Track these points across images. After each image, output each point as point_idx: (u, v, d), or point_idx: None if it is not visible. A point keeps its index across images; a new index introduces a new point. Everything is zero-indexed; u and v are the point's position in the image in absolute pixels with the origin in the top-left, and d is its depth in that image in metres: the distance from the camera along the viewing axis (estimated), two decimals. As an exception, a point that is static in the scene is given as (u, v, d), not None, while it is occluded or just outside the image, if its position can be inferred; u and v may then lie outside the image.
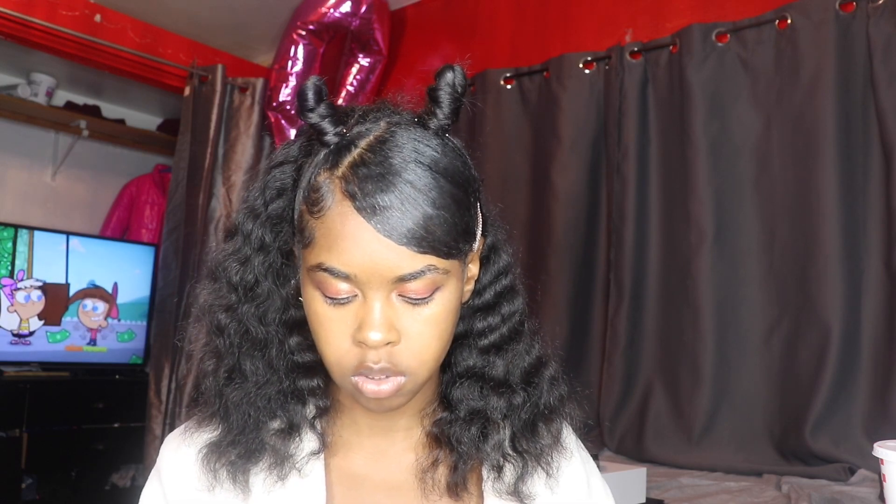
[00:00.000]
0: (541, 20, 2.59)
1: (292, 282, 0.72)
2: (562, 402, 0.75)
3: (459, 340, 0.74)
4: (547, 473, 0.73)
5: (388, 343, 0.63)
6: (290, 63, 2.81)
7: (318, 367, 0.71)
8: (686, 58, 2.07)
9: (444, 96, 0.68)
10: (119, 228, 3.74)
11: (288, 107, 2.84)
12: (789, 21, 1.94)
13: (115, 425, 3.11)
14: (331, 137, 0.65)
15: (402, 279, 0.62)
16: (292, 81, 2.82)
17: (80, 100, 3.73)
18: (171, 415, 2.69)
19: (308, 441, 0.70)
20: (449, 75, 0.69)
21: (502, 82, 2.52)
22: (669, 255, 2.10)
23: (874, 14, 1.81)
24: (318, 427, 0.71)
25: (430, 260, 0.62)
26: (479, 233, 0.70)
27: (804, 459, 1.75)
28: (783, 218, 1.92)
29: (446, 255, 0.63)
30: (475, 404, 0.72)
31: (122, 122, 3.80)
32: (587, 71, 2.33)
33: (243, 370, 0.71)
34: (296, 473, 0.69)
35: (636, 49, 2.22)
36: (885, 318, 1.75)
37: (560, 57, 2.37)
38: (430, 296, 0.64)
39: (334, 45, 2.88)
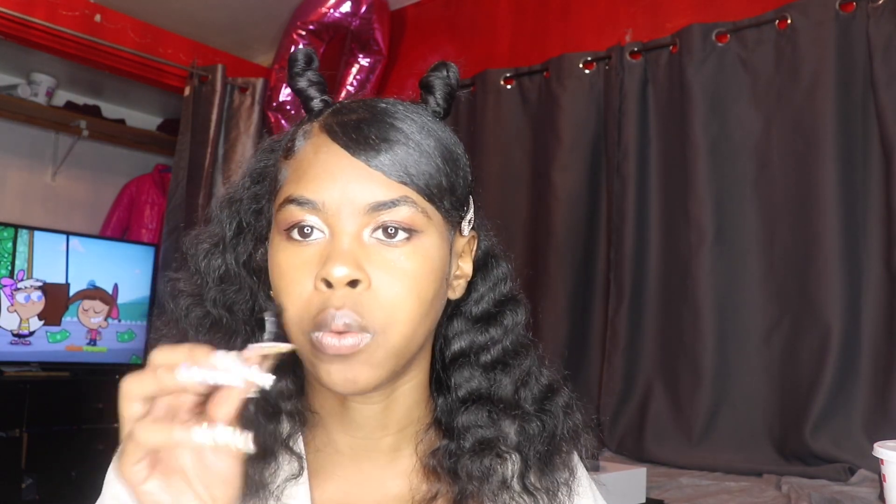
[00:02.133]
0: (541, 20, 2.59)
1: (266, 275, 0.64)
2: (577, 434, 0.68)
3: (460, 360, 0.67)
4: None
5: (353, 282, 0.55)
6: (290, 63, 2.81)
7: (285, 367, 0.63)
8: (686, 58, 2.07)
9: (437, 83, 0.66)
10: (119, 228, 3.74)
11: (288, 107, 2.84)
12: (789, 21, 1.94)
13: (115, 425, 3.09)
14: (317, 103, 0.63)
15: (376, 208, 0.56)
16: (292, 81, 2.82)
17: (80, 100, 3.73)
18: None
19: (285, 464, 0.62)
20: (443, 70, 0.67)
21: (502, 82, 2.51)
22: (669, 255, 2.10)
23: (874, 14, 1.81)
24: (295, 447, 0.63)
25: (408, 192, 0.57)
26: (469, 215, 0.66)
27: (804, 459, 1.75)
28: (783, 218, 1.92)
29: (426, 194, 0.58)
30: (485, 433, 0.65)
31: (122, 122, 3.80)
32: (587, 71, 2.33)
33: None
34: (272, 502, 0.61)
35: (636, 49, 2.22)
36: (885, 318, 1.75)
37: (560, 57, 2.37)
38: (407, 239, 0.57)
39: (334, 45, 2.88)
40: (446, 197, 0.60)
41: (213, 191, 2.86)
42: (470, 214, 0.66)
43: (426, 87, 0.66)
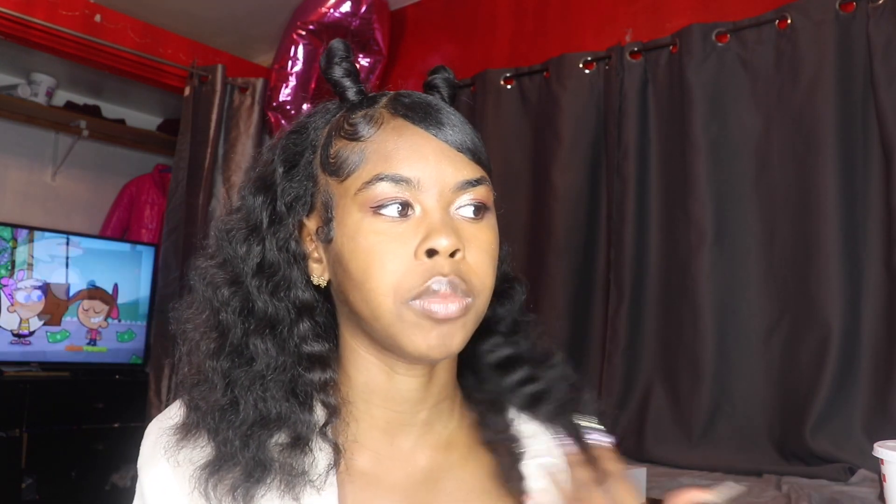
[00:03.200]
0: (541, 20, 2.59)
1: (304, 262, 0.67)
2: (580, 387, 0.75)
3: (480, 329, 0.69)
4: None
5: (454, 252, 0.60)
6: (290, 63, 2.81)
7: (328, 359, 0.66)
8: (686, 58, 2.07)
9: (441, 82, 0.70)
10: (119, 228, 3.74)
11: (288, 107, 2.84)
12: (789, 21, 1.94)
13: (115, 425, 3.11)
14: (352, 94, 0.67)
15: (464, 186, 0.62)
16: (292, 81, 2.82)
17: (80, 100, 3.73)
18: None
19: (320, 451, 0.64)
20: (443, 73, 0.71)
21: (502, 82, 2.51)
22: (669, 255, 2.10)
23: (874, 14, 1.81)
24: (330, 434, 0.65)
25: (483, 172, 0.64)
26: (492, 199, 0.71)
27: (804, 459, 1.75)
28: (783, 218, 1.92)
29: (491, 174, 0.65)
30: (529, 389, 0.72)
31: (122, 122, 3.80)
32: (587, 71, 2.33)
33: (251, 351, 0.64)
34: (311, 491, 0.62)
35: (636, 49, 2.22)
36: (885, 318, 1.75)
37: (560, 57, 2.37)
38: (484, 216, 0.64)
39: (334, 45, 2.88)
40: (490, 179, 0.67)
41: (213, 191, 2.85)
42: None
43: (432, 88, 0.70)
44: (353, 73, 0.67)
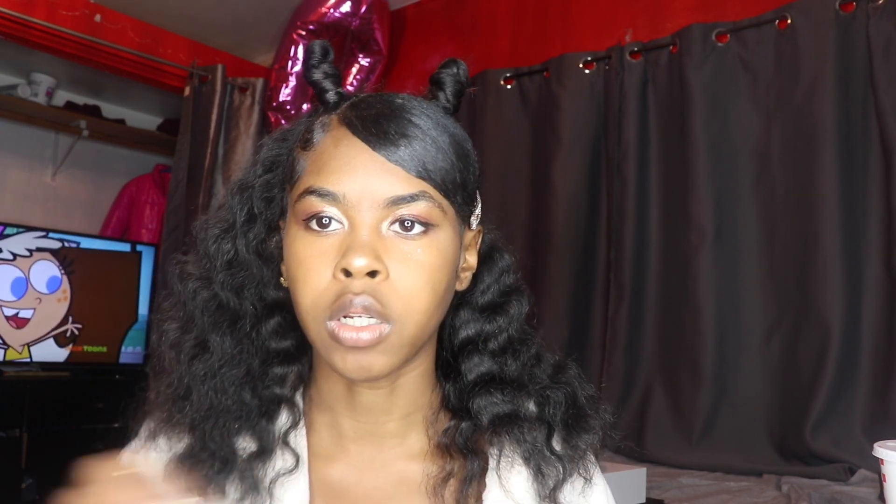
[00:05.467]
0: (541, 20, 2.59)
1: (276, 263, 0.66)
2: (593, 402, 0.71)
3: (468, 347, 0.70)
4: (585, 479, 0.68)
5: (372, 273, 0.57)
6: (290, 63, 2.81)
7: (294, 356, 0.66)
8: (686, 58, 2.07)
9: (448, 79, 0.68)
10: (119, 228, 3.74)
11: (288, 107, 2.84)
12: (789, 21, 1.94)
13: (115, 425, 3.11)
14: (331, 95, 0.65)
15: (395, 202, 0.58)
16: (292, 81, 2.82)
17: (80, 100, 3.72)
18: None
19: (281, 459, 0.64)
20: (453, 67, 0.69)
21: (502, 82, 2.52)
22: (669, 255, 2.10)
23: (874, 14, 1.81)
24: (292, 441, 0.65)
25: (426, 187, 0.59)
26: (478, 210, 0.68)
27: (804, 459, 1.75)
28: (783, 218, 1.92)
29: (443, 190, 0.60)
30: (501, 409, 0.67)
31: (122, 122, 3.80)
32: (587, 71, 2.33)
33: (208, 344, 0.65)
34: (271, 498, 0.63)
35: (636, 49, 2.22)
36: (885, 318, 1.75)
37: (560, 57, 2.37)
38: (424, 232, 0.59)
39: (334, 45, 2.87)
40: (459, 192, 0.62)
41: (213, 191, 2.86)
42: (478, 209, 0.68)
43: (437, 84, 0.68)
44: (332, 75, 0.65)
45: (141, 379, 0.72)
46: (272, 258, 0.67)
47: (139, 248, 3.47)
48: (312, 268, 0.58)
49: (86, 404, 3.06)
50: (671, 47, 2.16)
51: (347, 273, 0.57)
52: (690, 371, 1.98)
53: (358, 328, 0.57)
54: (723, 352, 1.96)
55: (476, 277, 0.70)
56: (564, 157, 2.31)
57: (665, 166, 2.15)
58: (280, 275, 0.66)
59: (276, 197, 0.66)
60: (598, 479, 0.72)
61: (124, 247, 3.44)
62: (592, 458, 0.71)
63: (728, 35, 2.05)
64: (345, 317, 0.57)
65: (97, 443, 3.04)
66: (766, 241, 1.95)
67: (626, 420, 2.09)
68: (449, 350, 0.71)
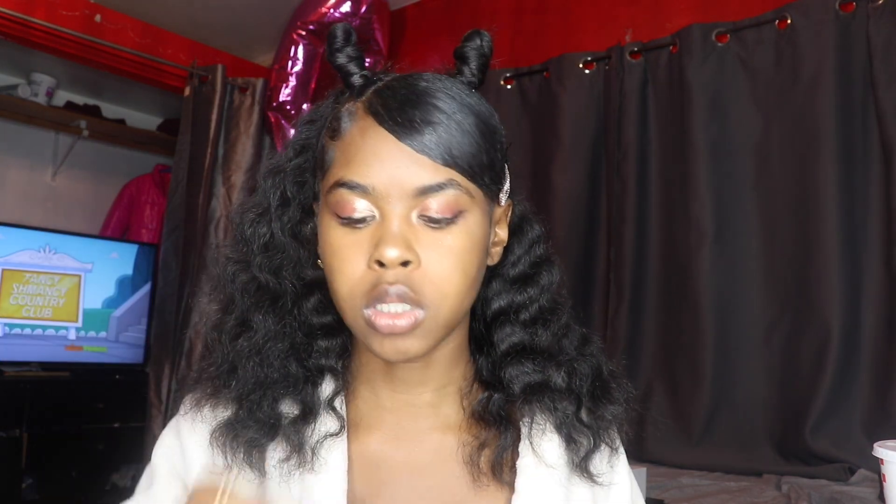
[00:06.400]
0: (541, 20, 2.59)
1: (313, 244, 0.68)
2: (615, 377, 0.72)
3: (500, 318, 0.71)
4: (612, 449, 0.70)
5: (405, 263, 0.58)
6: (290, 63, 2.81)
7: (338, 329, 0.68)
8: (686, 58, 2.07)
9: (471, 53, 0.67)
10: (119, 228, 3.74)
11: (288, 107, 2.84)
12: (789, 21, 1.94)
13: (115, 425, 3.11)
14: (356, 79, 0.65)
15: (424, 192, 0.59)
16: (292, 81, 2.82)
17: (80, 100, 3.73)
18: (172, 415, 2.69)
19: (325, 423, 0.66)
20: (476, 39, 0.68)
21: (502, 82, 2.51)
22: (669, 255, 2.10)
23: (874, 14, 1.81)
24: (337, 406, 0.67)
25: (453, 175, 0.60)
26: (506, 185, 0.69)
27: (804, 459, 1.75)
28: (783, 217, 1.92)
29: (470, 175, 0.61)
30: (532, 378, 0.68)
31: (122, 122, 3.80)
32: (587, 71, 2.33)
33: (251, 323, 0.67)
34: (314, 458, 0.64)
35: (636, 49, 2.22)
36: (885, 318, 1.75)
37: (560, 57, 2.37)
38: (453, 219, 0.60)
39: (334, 45, 2.88)
40: (486, 173, 0.63)
41: (213, 191, 2.85)
42: (507, 184, 0.70)
43: (461, 58, 0.68)
44: (355, 58, 0.66)
45: (141, 379, 0.74)
46: (308, 240, 0.68)
47: (139, 248, 3.47)
48: (347, 258, 0.60)
49: (86, 404, 3.06)
50: (671, 47, 2.16)
51: (381, 264, 0.58)
52: (690, 371, 1.98)
53: (394, 315, 0.59)
54: (723, 352, 1.95)
55: (507, 249, 0.72)
56: (564, 157, 2.30)
57: (665, 166, 2.15)
58: (317, 256, 0.67)
59: (309, 181, 0.68)
60: (622, 451, 0.73)
61: (124, 247, 3.45)
62: (616, 429, 0.72)
63: (728, 35, 2.05)
64: (380, 304, 0.59)
65: (97, 443, 3.05)
66: (766, 241, 1.94)
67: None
68: (482, 321, 0.72)
